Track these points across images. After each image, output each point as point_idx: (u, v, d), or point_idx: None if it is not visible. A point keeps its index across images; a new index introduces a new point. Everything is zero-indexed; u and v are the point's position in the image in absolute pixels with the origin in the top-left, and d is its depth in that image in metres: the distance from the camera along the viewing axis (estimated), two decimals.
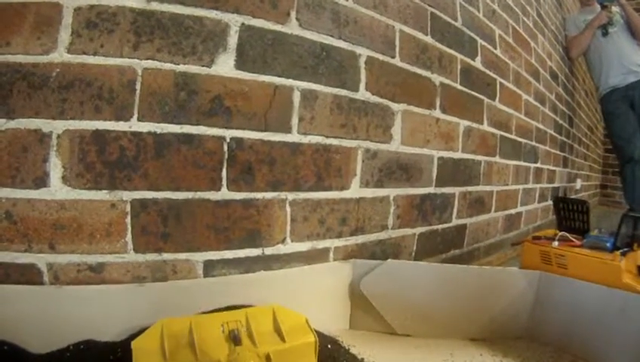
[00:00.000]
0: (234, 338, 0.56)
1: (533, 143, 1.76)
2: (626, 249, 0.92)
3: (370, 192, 0.84)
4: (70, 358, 0.55)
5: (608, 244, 0.94)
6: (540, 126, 1.84)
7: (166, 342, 0.56)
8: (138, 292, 0.57)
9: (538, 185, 1.90)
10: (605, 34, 2.43)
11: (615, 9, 2.41)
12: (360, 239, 0.82)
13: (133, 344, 0.55)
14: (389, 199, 0.89)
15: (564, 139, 2.44)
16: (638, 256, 0.91)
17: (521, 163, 1.62)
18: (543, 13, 2.04)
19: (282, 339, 0.62)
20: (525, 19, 1.68)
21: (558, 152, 2.28)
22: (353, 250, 0.81)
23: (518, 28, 1.57)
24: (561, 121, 2.32)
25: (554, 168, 2.21)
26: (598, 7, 2.45)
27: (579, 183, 3.07)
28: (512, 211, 1.58)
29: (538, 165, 1.86)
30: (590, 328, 0.78)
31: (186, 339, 0.58)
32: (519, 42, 1.57)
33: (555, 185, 2.30)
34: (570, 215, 1.13)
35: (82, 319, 0.55)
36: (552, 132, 2.11)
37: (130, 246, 0.57)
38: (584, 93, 3.13)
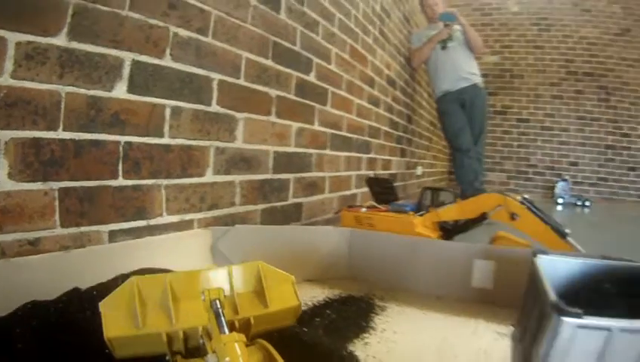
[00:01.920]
0: (216, 313, 0.61)
1: (366, 138, 2.44)
2: (423, 212, 1.55)
3: (220, 178, 1.34)
4: (22, 316, 0.76)
5: (407, 208, 1.58)
6: (374, 124, 2.55)
7: (137, 303, 0.64)
8: (65, 258, 0.93)
9: (372, 172, 2.58)
10: (444, 47, 3.36)
11: (456, 27, 3.31)
12: (215, 213, 1.32)
13: (102, 305, 0.64)
14: (235, 183, 1.40)
15: (401, 134, 3.25)
16: (432, 216, 1.56)
17: (353, 154, 2.28)
18: (386, 30, 2.77)
19: (265, 304, 0.71)
20: (365, 37, 2.36)
21: (394, 145, 3.06)
22: (211, 221, 1.30)
23: (356, 45, 2.23)
24: (397, 119, 3.10)
25: (389, 158, 2.97)
26: (441, 24, 3.30)
27: (419, 170, 4.00)
28: (347, 193, 2.23)
29: (371, 155, 2.56)
30: (394, 265, 1.33)
31: (160, 301, 0.66)
32: (356, 57, 2.23)
33: (393, 171, 3.08)
34: (382, 190, 1.77)
35: (26, 285, 0.86)
36: (387, 128, 2.85)
37: (58, 223, 0.94)
38: (427, 95, 4.06)
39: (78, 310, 0.81)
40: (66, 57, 0.93)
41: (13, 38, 0.85)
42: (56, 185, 0.93)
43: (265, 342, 0.64)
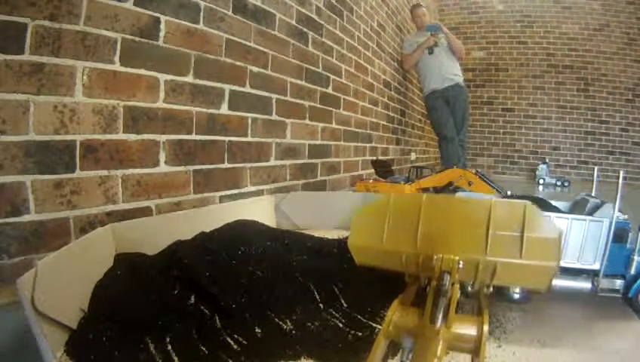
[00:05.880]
0: (437, 291, 0.56)
1: (368, 131, 3.01)
2: (410, 182, 2.15)
3: (278, 163, 1.89)
4: (176, 248, 1.11)
5: (400, 180, 2.16)
6: (374, 120, 3.12)
7: (387, 220, 0.66)
8: (195, 213, 1.39)
9: (374, 157, 3.17)
10: (431, 53, 3.88)
11: (441, 35, 3.85)
12: (276, 185, 1.87)
13: (355, 213, 0.69)
14: (286, 166, 1.96)
15: (397, 126, 3.81)
16: (416, 184, 2.14)
17: (359, 144, 2.84)
18: (382, 42, 3.35)
19: (518, 253, 0.62)
20: (365, 52, 2.92)
21: (390, 135, 3.62)
22: (274, 190, 1.85)
23: (359, 60, 2.79)
24: (392, 114, 3.67)
25: (387, 146, 3.53)
26: (429, 32, 3.84)
27: (413, 155, 4.54)
28: (355, 173, 2.79)
29: (373, 145, 3.13)
30: None
31: (410, 222, 0.65)
32: (359, 70, 2.79)
33: (390, 157, 3.64)
34: (382, 168, 2.37)
35: (172, 230, 1.20)
36: (385, 122, 3.42)
37: (192, 191, 1.44)
38: (418, 92, 4.58)
39: (207, 243, 1.19)
40: (194, 89, 1.43)
41: (162, 78, 1.32)
42: (191, 167, 1.43)
43: (486, 318, 0.58)
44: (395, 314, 0.60)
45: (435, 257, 0.60)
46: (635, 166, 6.26)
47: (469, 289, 0.85)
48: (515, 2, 6.78)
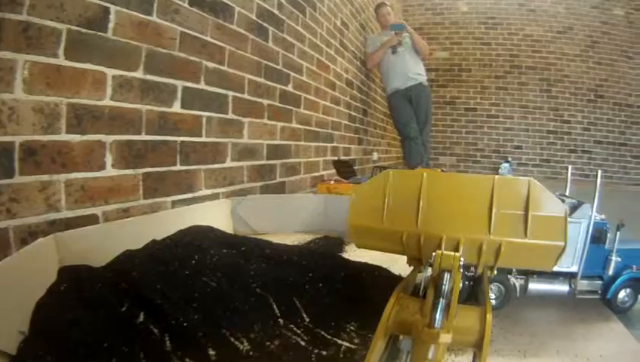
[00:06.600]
0: (437, 292, 0.54)
1: (330, 131, 3.01)
2: None
3: (234, 164, 1.85)
4: (124, 259, 1.05)
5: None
6: (335, 119, 3.13)
7: (387, 197, 0.65)
8: (145, 220, 1.32)
9: (336, 157, 3.18)
10: (394, 52, 3.93)
11: (405, 34, 3.89)
12: (232, 188, 1.83)
13: (354, 190, 0.68)
14: (243, 167, 1.93)
15: (359, 126, 3.85)
16: None
17: (320, 144, 2.84)
18: (345, 40, 3.36)
19: (523, 232, 0.61)
20: (328, 49, 2.92)
21: (352, 135, 3.64)
22: (229, 194, 1.81)
23: (321, 58, 2.79)
24: (354, 114, 3.69)
25: (349, 146, 3.55)
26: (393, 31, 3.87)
27: (375, 155, 4.58)
28: (316, 174, 2.79)
29: (334, 145, 3.14)
30: None
31: (411, 199, 0.63)
32: (321, 68, 2.79)
33: (352, 157, 3.66)
34: (344, 169, 2.37)
35: (122, 238, 1.14)
36: (347, 122, 3.44)
37: (141, 196, 1.37)
38: (381, 91, 4.63)
39: (158, 252, 1.14)
40: (144, 86, 1.36)
41: (109, 73, 1.21)
42: (141, 170, 1.36)
43: (489, 311, 0.56)
44: (395, 307, 0.58)
45: (434, 254, 0.58)
46: (596, 164, 6.57)
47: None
48: (479, 4, 6.98)
